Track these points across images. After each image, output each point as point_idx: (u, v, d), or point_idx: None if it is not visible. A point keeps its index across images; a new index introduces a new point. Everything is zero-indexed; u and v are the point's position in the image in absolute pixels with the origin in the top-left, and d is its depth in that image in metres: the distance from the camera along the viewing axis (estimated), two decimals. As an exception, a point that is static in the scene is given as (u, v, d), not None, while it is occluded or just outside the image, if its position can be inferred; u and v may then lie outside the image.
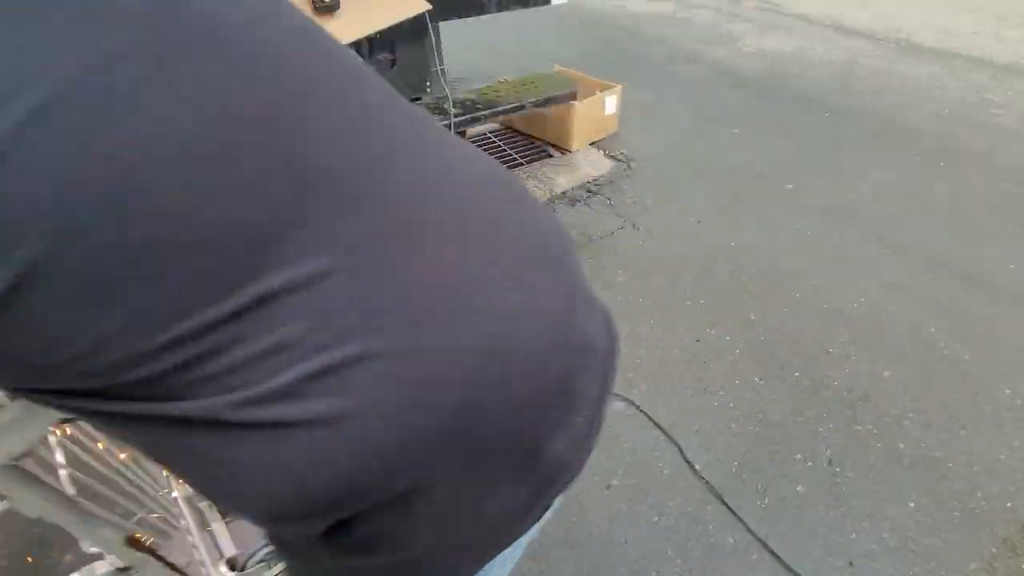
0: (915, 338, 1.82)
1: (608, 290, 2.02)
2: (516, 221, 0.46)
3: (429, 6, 1.77)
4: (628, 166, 2.80)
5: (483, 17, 2.75)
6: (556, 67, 3.16)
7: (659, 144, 3.00)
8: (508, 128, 3.08)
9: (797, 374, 1.69)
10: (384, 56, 2.00)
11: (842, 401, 1.61)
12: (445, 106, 1.98)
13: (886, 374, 1.69)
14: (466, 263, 0.40)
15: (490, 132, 3.05)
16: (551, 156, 2.86)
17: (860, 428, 1.53)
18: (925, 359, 1.75)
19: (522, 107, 2.17)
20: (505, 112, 2.12)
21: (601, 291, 2.00)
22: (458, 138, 0.52)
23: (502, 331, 0.39)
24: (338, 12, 1.61)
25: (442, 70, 2.55)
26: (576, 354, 0.46)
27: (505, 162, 2.78)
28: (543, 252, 0.47)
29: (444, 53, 2.63)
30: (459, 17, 2.01)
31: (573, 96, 2.34)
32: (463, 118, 1.99)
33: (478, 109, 2.06)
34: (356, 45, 1.90)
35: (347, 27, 1.61)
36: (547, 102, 2.23)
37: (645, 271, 2.11)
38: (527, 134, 3.02)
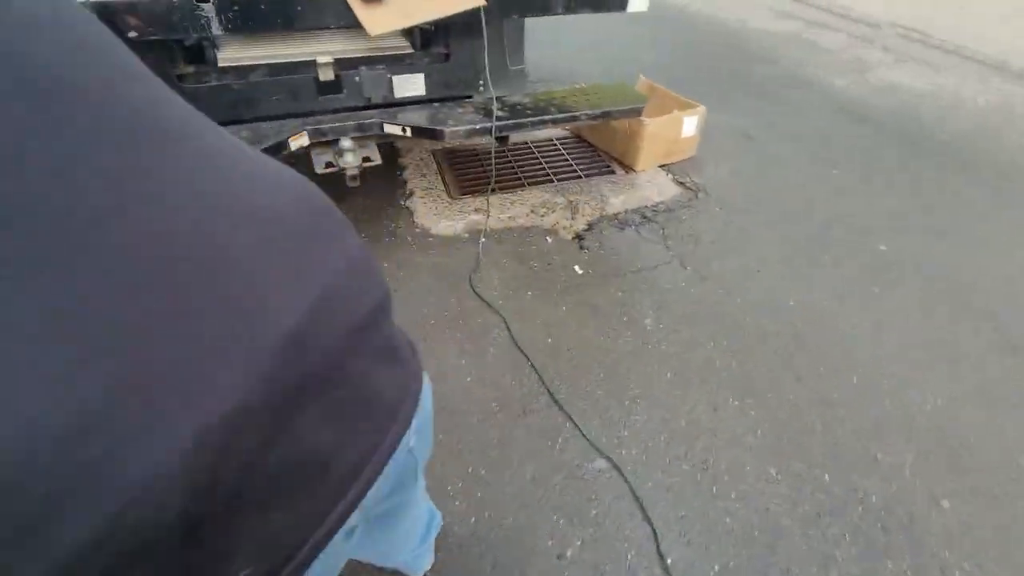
0: (1002, 466, 1.45)
1: (629, 331, 1.82)
2: (227, 278, 0.34)
3: (483, 2, 1.68)
4: (695, 196, 2.54)
5: (582, 21, 2.60)
6: (642, 77, 2.95)
7: (739, 176, 2.70)
8: (577, 137, 2.93)
9: (827, 477, 1.41)
10: (438, 50, 1.93)
11: (876, 524, 1.31)
12: (491, 108, 1.89)
13: (945, 503, 1.36)
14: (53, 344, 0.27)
15: (556, 139, 2.91)
16: (613, 173, 2.67)
17: (891, 565, 1.24)
18: (1009, 497, 1.38)
19: (576, 118, 2.01)
20: (554, 121, 1.98)
21: (621, 330, 1.83)
22: (236, 152, 0.41)
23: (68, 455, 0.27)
24: (385, 1, 1.56)
25: (520, 70, 2.45)
26: (267, 480, 0.34)
27: (562, 173, 2.64)
28: (248, 327, 0.34)
29: (528, 53, 2.53)
30: (520, 15, 1.90)
31: (638, 112, 2.14)
32: (506, 123, 1.88)
33: (527, 115, 1.93)
34: (408, 35, 1.86)
35: (391, 16, 1.56)
36: (605, 115, 2.06)
37: (679, 317, 1.88)
38: (594, 146, 2.85)
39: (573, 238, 2.28)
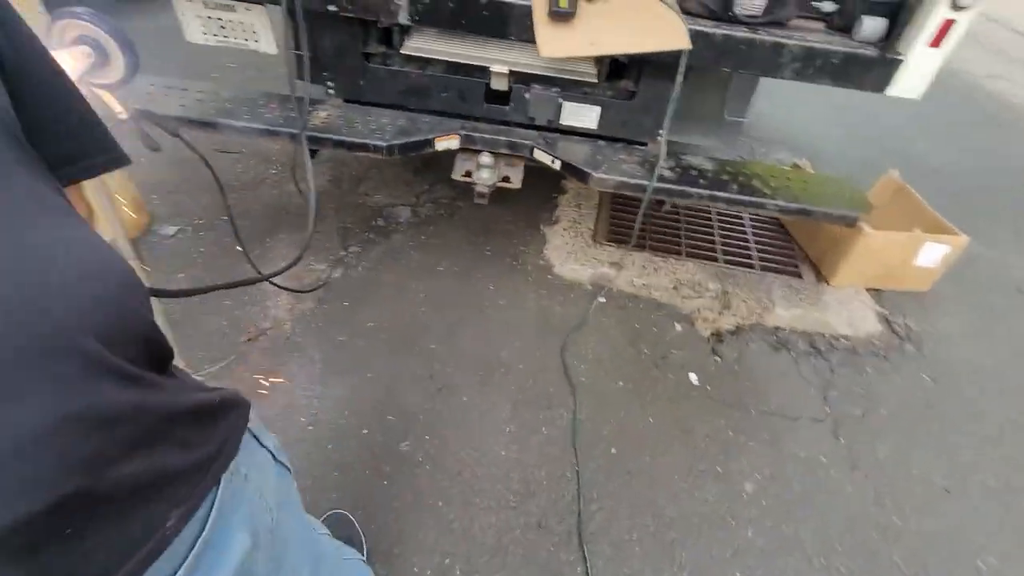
0: None
1: (718, 487, 1.41)
2: None
3: (689, 45, 1.39)
4: (900, 347, 1.89)
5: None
6: (892, 173, 2.31)
7: (981, 344, 1.95)
8: (775, 221, 2.42)
9: None
10: (624, 85, 1.69)
11: None
12: (657, 164, 1.59)
13: None
14: None
15: (751, 215, 2.44)
16: (799, 276, 2.14)
17: None
18: None
19: (759, 205, 1.60)
20: (729, 201, 1.59)
21: (707, 481, 1.43)
22: None
23: None
24: (574, 22, 1.38)
25: (738, 123, 2.10)
26: None
27: (733, 254, 2.20)
28: None
29: (763, 105, 2.13)
30: (734, 69, 1.55)
31: (850, 222, 1.62)
32: (666, 187, 1.57)
33: (698, 184, 1.60)
34: (597, 62, 1.65)
35: (573, 42, 1.38)
36: (801, 213, 1.60)
37: (793, 501, 1.40)
38: (789, 235, 2.33)
39: (710, 336, 1.88)
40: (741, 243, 2.28)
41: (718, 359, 1.80)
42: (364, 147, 1.59)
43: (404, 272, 1.97)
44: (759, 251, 2.24)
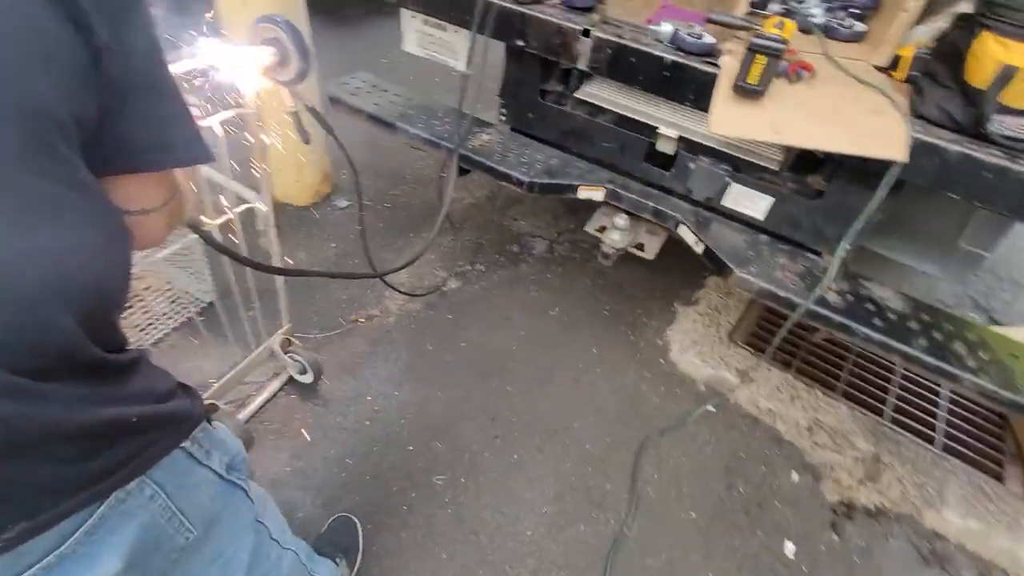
0: None
1: None
2: None
3: (905, 158, 1.10)
4: None
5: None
6: None
7: None
8: (979, 406, 1.83)
9: None
10: (811, 181, 1.41)
11: None
12: (824, 282, 1.29)
13: None
14: None
15: (951, 390, 1.88)
16: (999, 479, 1.58)
17: None
18: None
19: (950, 376, 1.19)
20: (907, 358, 1.21)
21: None
22: None
23: None
24: (761, 100, 1.19)
25: (977, 255, 1.67)
26: None
27: (908, 420, 1.72)
28: None
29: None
30: (965, 199, 1.17)
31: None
32: (824, 313, 1.25)
33: (871, 324, 1.25)
34: (784, 150, 1.41)
35: (753, 121, 1.19)
36: (1012, 405, 1.15)
37: None
38: (1004, 423, 1.75)
39: (835, 504, 1.49)
40: (926, 405, 1.77)
41: (836, 538, 1.41)
42: (507, 177, 1.60)
43: (516, 304, 1.94)
44: (949, 424, 1.72)
